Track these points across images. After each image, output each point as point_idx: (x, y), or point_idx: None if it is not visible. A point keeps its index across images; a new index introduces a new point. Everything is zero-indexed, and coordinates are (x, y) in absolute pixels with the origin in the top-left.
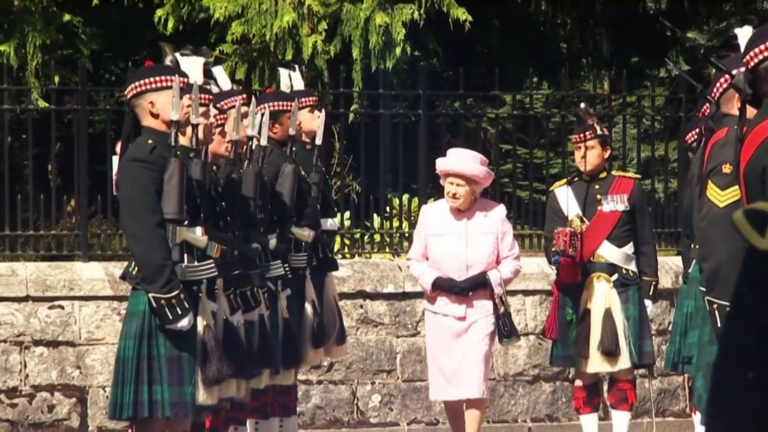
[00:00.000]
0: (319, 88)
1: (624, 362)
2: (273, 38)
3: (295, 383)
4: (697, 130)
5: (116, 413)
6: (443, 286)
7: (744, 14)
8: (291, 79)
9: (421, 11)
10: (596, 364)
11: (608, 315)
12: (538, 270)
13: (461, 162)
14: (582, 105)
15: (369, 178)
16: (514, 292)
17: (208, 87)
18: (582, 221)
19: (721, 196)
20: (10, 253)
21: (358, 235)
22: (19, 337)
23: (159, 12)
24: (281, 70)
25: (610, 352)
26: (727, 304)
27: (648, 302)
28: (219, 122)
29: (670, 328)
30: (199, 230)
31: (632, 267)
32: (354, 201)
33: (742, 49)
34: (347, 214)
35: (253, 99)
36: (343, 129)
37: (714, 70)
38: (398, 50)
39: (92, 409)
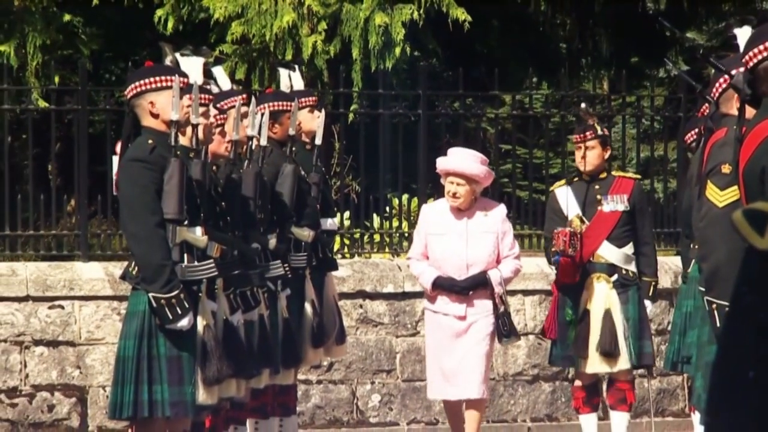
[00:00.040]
0: (318, 88)
1: (623, 363)
2: (273, 38)
3: (294, 383)
4: (697, 130)
5: (116, 413)
6: (443, 286)
7: (743, 14)
8: (291, 79)
9: (421, 11)
10: (595, 364)
11: (608, 316)
12: (538, 270)
13: (462, 161)
14: (583, 105)
15: (369, 178)
16: (513, 292)
17: (208, 87)
18: (582, 221)
19: (720, 196)
20: (10, 253)
21: (357, 235)
22: (19, 337)
23: (159, 12)
24: (281, 70)
25: (609, 353)
26: (726, 303)
27: (647, 302)
28: (219, 122)
29: (669, 327)
30: (199, 230)
31: (632, 267)
32: (354, 201)
33: (741, 49)
34: (347, 214)
35: (253, 99)
36: (342, 129)
37: (713, 70)
38: (398, 50)
39: (92, 409)
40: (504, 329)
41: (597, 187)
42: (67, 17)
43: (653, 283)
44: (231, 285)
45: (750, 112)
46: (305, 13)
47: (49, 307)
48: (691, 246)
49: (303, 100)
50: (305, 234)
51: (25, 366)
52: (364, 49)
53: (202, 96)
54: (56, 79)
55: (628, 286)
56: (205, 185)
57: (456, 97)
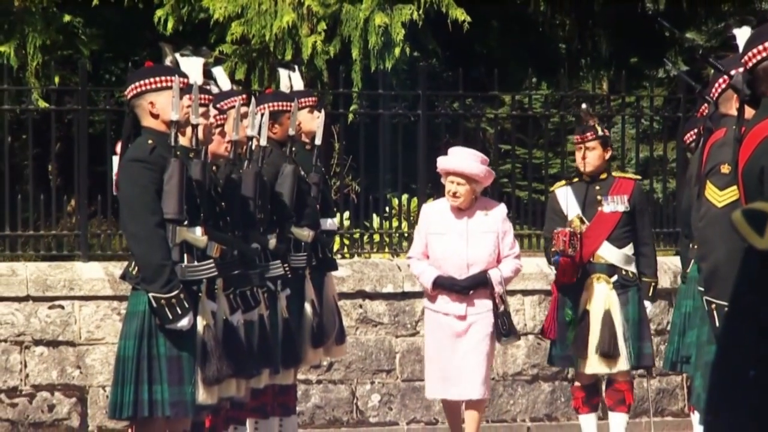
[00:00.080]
0: (318, 89)
1: (622, 364)
2: (272, 38)
3: (294, 383)
4: (696, 130)
5: (116, 413)
6: (444, 285)
7: (742, 15)
8: (290, 80)
9: (420, 12)
10: (594, 365)
11: (607, 316)
12: (537, 270)
13: (462, 161)
14: (584, 106)
15: (368, 178)
16: (513, 292)
17: (208, 87)
18: (582, 222)
19: (719, 196)
20: (10, 253)
21: (357, 235)
22: (19, 337)
23: (159, 12)
24: (281, 71)
25: (609, 354)
26: (725, 303)
27: (647, 303)
28: (219, 122)
29: (668, 327)
30: (198, 230)
31: (632, 268)
32: (353, 201)
33: (741, 49)
34: (347, 214)
35: (253, 99)
36: (342, 129)
37: (712, 71)
38: (397, 50)
39: (92, 409)
40: (503, 329)
41: (597, 187)
42: (67, 18)
43: (653, 283)
44: (231, 285)
45: (749, 112)
46: (305, 13)
47: (49, 307)
48: (691, 246)
49: (303, 100)
50: (305, 234)
51: (25, 366)
52: (364, 49)
53: (202, 96)
54: (56, 80)
55: (628, 286)
56: (205, 185)
57: (455, 97)
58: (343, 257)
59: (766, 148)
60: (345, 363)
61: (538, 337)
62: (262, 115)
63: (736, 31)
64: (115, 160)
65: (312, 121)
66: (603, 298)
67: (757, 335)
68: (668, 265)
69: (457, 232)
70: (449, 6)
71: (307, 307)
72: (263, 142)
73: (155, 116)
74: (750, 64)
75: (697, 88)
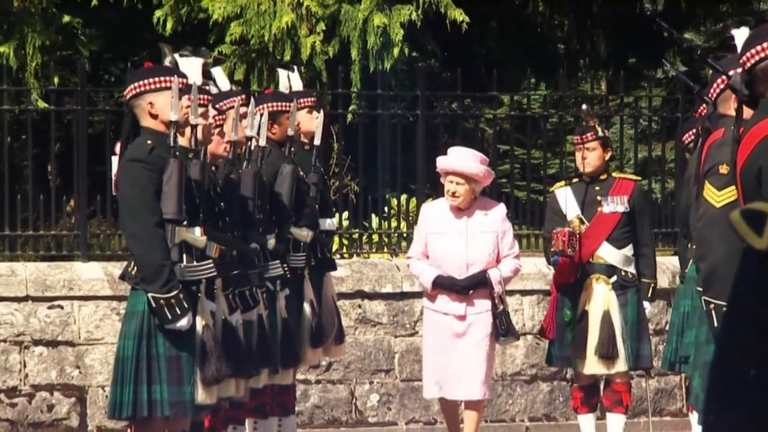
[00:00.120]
0: (317, 89)
1: (621, 365)
2: (272, 39)
3: (293, 383)
4: (694, 130)
5: (115, 413)
6: (444, 285)
7: (741, 15)
8: (289, 80)
9: (419, 12)
10: (593, 365)
11: (607, 317)
12: (536, 270)
13: (461, 160)
14: (584, 107)
15: (367, 178)
16: (511, 292)
17: (207, 88)
18: (582, 222)
19: (717, 197)
20: (9, 253)
21: (356, 235)
22: (18, 337)
23: (158, 13)
24: (280, 71)
25: (608, 356)
26: (724, 303)
27: (646, 304)
28: (218, 123)
29: (667, 327)
30: (198, 230)
31: (631, 269)
32: (352, 201)
33: (739, 50)
34: (345, 214)
35: (252, 99)
36: (341, 129)
37: (711, 71)
38: (396, 51)
39: (91, 409)
40: (501, 329)
41: (597, 188)
42: (66, 18)
43: (652, 284)
44: (230, 285)
45: (747, 112)
46: (304, 13)
47: (49, 307)
48: (689, 246)
49: (302, 100)
50: (304, 234)
51: (25, 366)
52: (363, 49)
53: (201, 96)
54: (56, 80)
55: (627, 287)
56: (204, 185)
57: (454, 97)
58: (342, 257)
59: (764, 149)
60: (344, 363)
61: (536, 337)
62: (261, 115)
63: (735, 32)
64: (115, 160)
65: (311, 122)
66: (602, 299)
67: (756, 335)
68: (667, 265)
69: (456, 232)
70: (448, 6)
71: (306, 307)
72: (262, 142)
73: (154, 116)
74: (748, 65)
75: (696, 88)
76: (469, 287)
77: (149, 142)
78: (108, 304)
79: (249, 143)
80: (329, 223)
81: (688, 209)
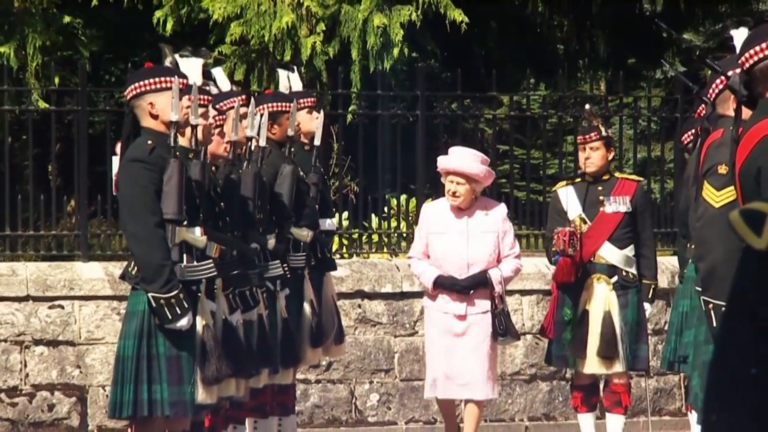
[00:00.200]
0: (317, 89)
1: (620, 366)
2: (272, 39)
3: (293, 382)
4: (693, 130)
5: (116, 412)
6: (444, 284)
7: (740, 16)
8: (290, 80)
9: (419, 12)
10: (593, 365)
11: (608, 318)
12: (536, 270)
13: (462, 160)
14: (587, 107)
15: (367, 178)
16: (511, 292)
17: (207, 88)
18: (584, 222)
19: (716, 197)
20: (10, 253)
21: (356, 235)
22: (19, 337)
23: (158, 13)
24: (280, 71)
25: (608, 357)
26: (723, 303)
27: (646, 304)
28: (218, 123)
29: (666, 327)
30: (198, 230)
31: (632, 270)
32: (352, 201)
33: (738, 50)
34: (345, 214)
35: (252, 100)
36: (341, 130)
37: (710, 72)
38: (396, 51)
39: (92, 409)
40: (500, 328)
41: (600, 188)
42: (66, 19)
43: (653, 285)
44: (230, 285)
45: (746, 113)
46: (304, 14)
47: (49, 307)
48: (688, 246)
49: (302, 100)
50: (304, 234)
51: (25, 365)
52: (363, 50)
53: (202, 97)
54: (56, 80)
55: (627, 288)
56: (205, 186)
57: (454, 97)
58: (342, 257)
59: (763, 149)
60: (344, 363)
61: (536, 336)
62: (261, 115)
63: (734, 32)
64: (115, 160)
65: (311, 122)
66: (603, 299)
67: (755, 335)
68: (666, 265)
69: (457, 232)
70: (447, 7)
71: (306, 307)
72: (262, 142)
73: (155, 117)
74: (747, 65)
75: (695, 88)
76: (469, 287)
77: (150, 142)
78: (108, 304)
79: (249, 143)
80: (329, 223)
81: (687, 209)
